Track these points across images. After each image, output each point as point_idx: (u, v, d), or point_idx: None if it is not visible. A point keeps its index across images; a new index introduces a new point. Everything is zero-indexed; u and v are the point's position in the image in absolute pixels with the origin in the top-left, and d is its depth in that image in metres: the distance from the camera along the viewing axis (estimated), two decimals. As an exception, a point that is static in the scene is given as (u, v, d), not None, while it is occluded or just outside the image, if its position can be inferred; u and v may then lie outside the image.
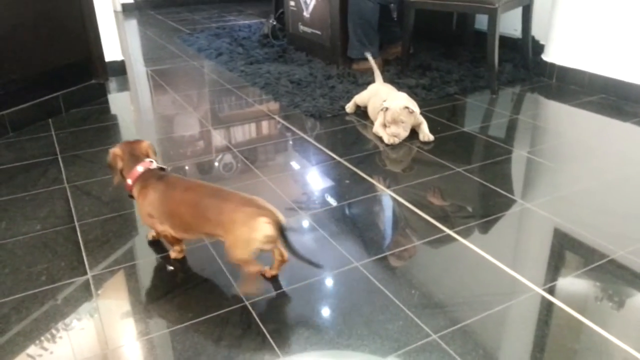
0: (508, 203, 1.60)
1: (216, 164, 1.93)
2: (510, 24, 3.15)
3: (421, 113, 2.09)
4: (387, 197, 1.65)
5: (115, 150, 1.31)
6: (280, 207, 1.59)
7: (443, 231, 1.45)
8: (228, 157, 1.97)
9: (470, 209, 1.58)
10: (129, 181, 1.29)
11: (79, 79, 2.09)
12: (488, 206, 1.59)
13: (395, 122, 2.01)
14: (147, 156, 1.32)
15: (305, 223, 1.51)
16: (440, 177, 1.76)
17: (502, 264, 1.31)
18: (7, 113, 2.15)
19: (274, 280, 1.26)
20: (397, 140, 2.02)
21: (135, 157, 1.30)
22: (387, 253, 1.37)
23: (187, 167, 1.90)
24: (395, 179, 1.76)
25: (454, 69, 2.85)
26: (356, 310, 1.16)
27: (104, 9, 2.72)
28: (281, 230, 1.14)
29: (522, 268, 1.29)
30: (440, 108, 2.40)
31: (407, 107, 2.00)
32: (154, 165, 1.31)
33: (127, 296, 1.23)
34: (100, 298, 1.22)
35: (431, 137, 2.05)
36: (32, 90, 2.23)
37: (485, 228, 1.48)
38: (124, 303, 1.20)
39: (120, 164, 1.30)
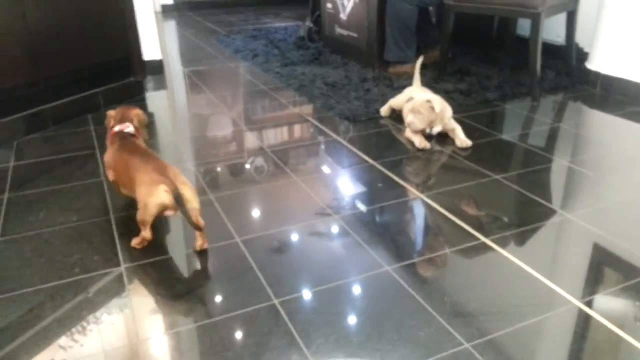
0: (547, 213, 1.54)
1: (249, 164, 1.94)
2: (553, 29, 3.07)
3: (458, 118, 2.05)
4: (421, 203, 1.61)
5: (111, 112, 1.59)
6: (312, 209, 1.58)
7: (478, 239, 1.41)
8: (261, 158, 1.97)
9: (507, 217, 1.53)
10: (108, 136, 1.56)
11: (118, 77, 2.14)
12: (526, 215, 1.53)
13: (413, 111, 2.00)
14: (131, 121, 1.56)
15: (337, 226, 1.49)
16: (477, 184, 1.71)
17: (539, 275, 1.26)
18: (48, 107, 2.22)
19: (303, 280, 1.25)
20: (427, 145, 1.99)
21: (123, 120, 1.56)
22: (420, 259, 1.34)
23: (219, 167, 1.91)
24: (429, 185, 1.73)
25: (494, 75, 2.79)
26: (386, 315, 1.13)
27: (144, 9, 2.78)
28: (177, 202, 1.27)
29: (559, 280, 1.24)
30: (478, 114, 2.35)
31: (429, 101, 1.98)
32: (128, 129, 1.54)
33: (157, 289, 1.23)
34: (132, 290, 1.23)
35: (469, 143, 2.00)
36: (73, 86, 2.29)
37: (522, 238, 1.43)
38: (154, 296, 1.21)
39: (112, 123, 1.57)
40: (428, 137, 2.07)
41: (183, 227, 1.49)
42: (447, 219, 1.51)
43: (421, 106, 1.99)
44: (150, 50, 2.86)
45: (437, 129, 2.09)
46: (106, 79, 2.22)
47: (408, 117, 2.02)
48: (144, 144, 1.56)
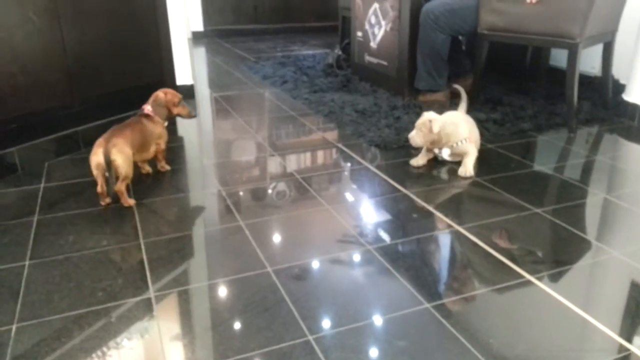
0: (594, 250, 1.46)
1: (279, 190, 1.90)
2: (588, 61, 3.01)
3: (492, 148, 1.99)
4: (459, 235, 1.55)
5: (159, 92, 1.95)
6: (346, 239, 1.53)
7: (522, 276, 1.33)
8: (291, 184, 1.94)
9: (550, 253, 1.46)
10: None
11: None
12: (571, 252, 1.45)
13: (417, 127, 2.01)
14: (150, 103, 1.92)
15: (372, 258, 1.44)
16: (516, 217, 1.64)
17: (590, 317, 1.18)
18: (81, 130, 2.23)
19: (338, 314, 1.19)
20: (419, 162, 2.06)
21: (150, 101, 1.94)
22: (461, 296, 1.27)
23: (249, 192, 1.88)
24: (467, 216, 1.66)
25: (527, 105, 2.73)
26: (428, 356, 1.06)
27: (178, 35, 2.82)
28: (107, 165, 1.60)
29: (614, 323, 1.16)
30: (513, 144, 2.29)
31: (430, 121, 1.97)
32: (147, 109, 1.90)
33: (187, 320, 1.19)
34: (161, 318, 1.19)
35: (470, 173, 1.96)
36: (107, 109, 2.32)
37: (570, 276, 1.35)
38: (183, 327, 1.17)
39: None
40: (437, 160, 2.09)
41: (217, 255, 1.45)
42: (488, 254, 1.44)
43: (423, 124, 1.99)
44: (182, 75, 2.89)
45: (446, 152, 2.05)
46: (139, 103, 2.24)
47: (412, 132, 2.04)
48: (150, 123, 1.87)
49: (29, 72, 2.01)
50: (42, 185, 1.90)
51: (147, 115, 1.88)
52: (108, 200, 1.71)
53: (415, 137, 2.01)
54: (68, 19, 2.11)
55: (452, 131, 2.01)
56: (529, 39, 2.47)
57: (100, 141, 1.65)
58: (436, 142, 2.02)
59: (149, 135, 1.85)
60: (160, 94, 1.93)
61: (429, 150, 2.08)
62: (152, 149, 1.89)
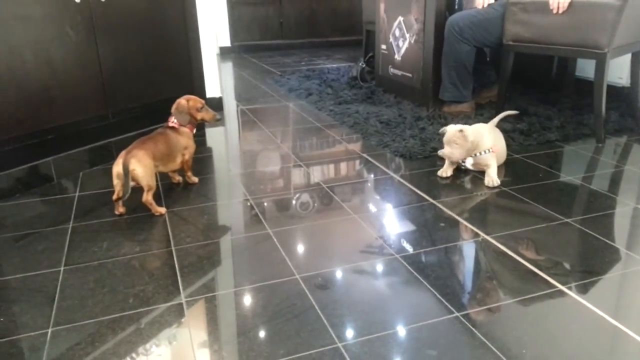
0: (625, 259, 1.43)
1: (306, 199, 1.92)
2: (615, 71, 2.97)
3: (520, 159, 1.98)
4: (488, 245, 1.54)
5: (180, 100, 1.98)
6: (373, 247, 1.53)
7: (554, 286, 1.32)
8: (317, 193, 1.96)
9: (583, 263, 1.43)
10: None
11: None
12: (602, 262, 1.43)
13: (448, 142, 1.99)
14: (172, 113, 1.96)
15: (400, 266, 1.44)
16: (547, 227, 1.62)
17: (624, 326, 1.15)
18: (115, 140, 2.30)
19: (367, 322, 1.19)
20: (448, 173, 2.05)
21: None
22: (492, 305, 1.26)
23: (276, 201, 1.90)
24: (495, 226, 1.65)
25: (554, 115, 2.70)
26: (459, 365, 1.06)
27: (208, 50, 2.90)
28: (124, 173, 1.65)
29: (651, 335, 1.13)
30: (540, 154, 2.27)
31: (461, 131, 1.96)
32: (171, 121, 1.94)
33: (218, 325, 1.21)
34: (192, 324, 1.21)
35: (496, 182, 1.96)
36: (139, 121, 2.38)
37: (602, 285, 1.32)
38: (214, 332, 1.18)
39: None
40: (461, 169, 2.08)
41: (246, 263, 1.47)
42: (518, 263, 1.43)
43: (454, 136, 1.98)
44: (211, 88, 2.96)
45: (469, 161, 2.05)
46: (170, 115, 2.31)
47: (445, 149, 2.02)
48: (175, 134, 1.91)
49: (65, 85, 2.09)
50: (77, 194, 1.96)
51: (172, 127, 1.92)
52: (122, 210, 1.77)
53: (454, 151, 1.99)
54: (103, 34, 2.19)
55: (479, 140, 2.00)
56: (556, 50, 2.46)
57: (122, 153, 1.72)
58: (470, 151, 2.01)
59: (173, 146, 1.89)
60: (182, 100, 1.96)
61: (454, 162, 2.08)
62: (179, 160, 1.93)
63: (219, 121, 2.10)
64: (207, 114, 1.99)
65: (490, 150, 2.01)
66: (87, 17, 2.12)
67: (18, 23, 1.90)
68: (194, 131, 2.00)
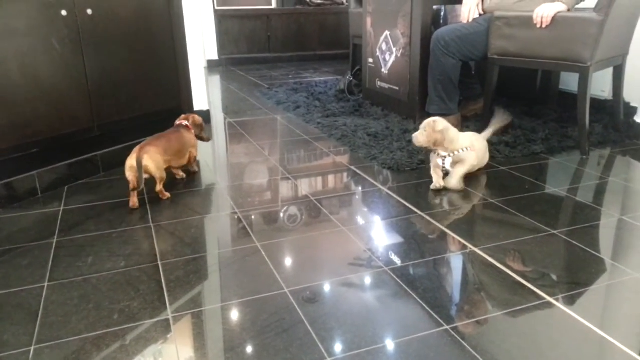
0: (611, 271, 1.44)
1: (294, 212, 1.92)
2: (597, 84, 3.03)
3: (506, 170, 2.00)
4: (476, 257, 1.54)
5: (195, 115, 2.34)
6: (362, 260, 1.53)
7: (541, 297, 1.32)
8: (306, 206, 1.95)
9: (570, 275, 1.44)
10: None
11: (169, 126, 2.21)
12: (589, 273, 1.44)
13: (421, 128, 2.09)
14: (187, 120, 2.26)
15: (389, 279, 1.43)
16: (533, 239, 1.63)
17: (610, 337, 1.16)
18: (101, 154, 2.28)
19: (356, 337, 1.18)
20: (440, 183, 2.07)
21: (185, 119, 2.27)
22: (480, 317, 1.26)
23: (264, 214, 1.89)
24: (483, 238, 1.66)
25: (539, 128, 2.74)
26: (449, 378, 1.05)
27: (195, 64, 2.89)
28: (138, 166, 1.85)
29: (634, 343, 1.14)
30: (526, 166, 2.29)
31: (435, 121, 2.07)
32: (185, 122, 2.23)
33: (206, 340, 1.19)
34: (179, 340, 1.19)
35: (456, 186, 2.04)
36: (126, 134, 2.36)
37: (590, 297, 1.33)
38: (202, 347, 1.17)
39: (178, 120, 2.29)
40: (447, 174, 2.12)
41: (234, 277, 1.46)
42: (506, 275, 1.43)
43: (427, 124, 2.08)
44: (199, 101, 2.95)
45: (448, 161, 2.09)
46: (158, 128, 2.29)
47: (415, 133, 2.12)
48: (187, 133, 2.18)
49: (50, 98, 2.06)
50: (62, 208, 1.93)
51: (185, 126, 2.20)
52: (136, 204, 1.91)
53: (419, 136, 2.09)
54: (90, 47, 2.18)
55: (455, 137, 2.08)
56: (540, 64, 2.50)
57: (136, 148, 1.91)
58: (438, 143, 2.07)
59: (185, 143, 2.14)
60: (197, 116, 2.31)
61: (437, 167, 2.10)
62: (187, 156, 2.17)
63: (209, 141, 2.47)
64: (204, 134, 2.34)
65: (468, 148, 2.08)
66: (73, 30, 2.11)
67: (4, 36, 1.88)
68: None
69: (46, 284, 1.42)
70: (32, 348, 1.17)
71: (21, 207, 1.95)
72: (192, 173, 2.28)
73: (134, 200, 1.91)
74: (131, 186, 1.89)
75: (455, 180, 2.04)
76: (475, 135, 2.24)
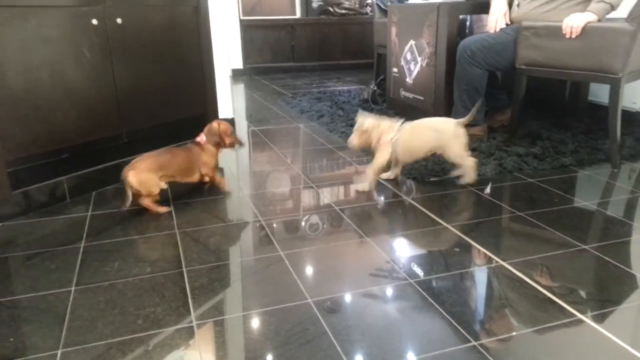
0: (648, 289, 1.40)
1: (317, 220, 1.91)
2: (628, 96, 2.96)
3: (534, 183, 1.96)
4: (504, 271, 1.51)
5: (213, 123, 2.14)
6: (387, 271, 1.51)
7: (573, 315, 1.28)
8: (329, 215, 1.94)
9: (602, 291, 1.40)
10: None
11: (194, 133, 2.23)
12: (622, 289, 1.40)
13: (354, 130, 2.14)
14: (203, 132, 2.13)
15: (414, 292, 1.41)
16: (564, 254, 1.59)
17: (649, 360, 1.12)
18: (128, 160, 2.30)
19: (382, 350, 1.16)
20: (364, 188, 2.13)
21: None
22: (509, 334, 1.22)
23: (287, 223, 1.89)
24: (511, 251, 1.62)
25: (568, 140, 2.69)
26: (477, 395, 1.02)
27: (221, 72, 2.93)
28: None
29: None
30: (555, 179, 2.24)
31: (361, 122, 2.09)
32: (200, 138, 2.11)
33: (229, 348, 1.19)
34: (203, 347, 1.19)
35: (364, 186, 2.13)
36: (153, 141, 2.39)
37: (623, 315, 1.29)
38: (226, 355, 1.16)
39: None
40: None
41: (258, 285, 1.45)
42: (536, 291, 1.40)
43: (358, 124, 2.11)
44: (224, 109, 2.98)
45: (396, 171, 2.19)
46: (184, 135, 2.32)
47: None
48: (198, 151, 2.08)
49: (80, 105, 2.11)
50: (89, 213, 1.96)
51: (198, 143, 2.09)
52: (126, 205, 1.90)
53: (352, 138, 2.13)
54: (119, 55, 2.22)
55: (385, 134, 2.10)
56: (569, 74, 2.45)
57: (132, 161, 1.95)
58: (370, 143, 2.12)
59: (193, 161, 2.06)
60: (214, 124, 2.13)
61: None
62: (196, 175, 2.08)
63: (242, 147, 2.33)
64: (235, 139, 2.17)
65: (391, 140, 2.10)
66: (103, 38, 2.15)
67: (37, 44, 1.93)
68: (220, 151, 2.17)
69: (73, 288, 1.44)
70: (59, 352, 1.18)
71: (50, 211, 1.98)
72: (220, 190, 2.18)
73: (162, 208, 1.95)
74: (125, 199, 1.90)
75: (364, 183, 2.10)
76: (445, 126, 2.12)
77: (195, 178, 2.08)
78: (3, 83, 1.84)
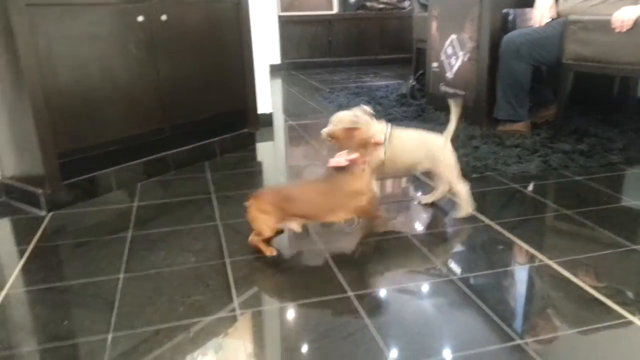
0: None
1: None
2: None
3: (580, 181, 1.90)
4: (550, 270, 1.47)
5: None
6: (428, 269, 1.50)
7: (623, 316, 1.24)
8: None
9: (653, 293, 1.35)
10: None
11: (234, 128, 2.27)
12: (677, 293, 1.34)
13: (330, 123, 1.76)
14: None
15: (457, 289, 1.40)
16: (613, 254, 1.54)
17: None
18: (170, 154, 2.37)
19: (424, 346, 1.16)
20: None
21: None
22: (554, 333, 1.20)
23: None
24: (558, 251, 1.58)
25: (616, 137, 2.59)
26: (522, 394, 1.01)
27: (260, 67, 2.96)
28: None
29: None
30: (602, 177, 2.17)
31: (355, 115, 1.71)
32: (336, 162, 1.61)
33: (270, 338, 1.21)
34: (245, 336, 1.21)
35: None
36: (194, 135, 2.45)
37: (677, 319, 1.24)
38: (268, 345, 1.18)
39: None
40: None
41: (299, 277, 1.47)
42: (583, 291, 1.36)
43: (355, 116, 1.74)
44: (263, 104, 3.02)
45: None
46: (223, 130, 2.36)
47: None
48: (344, 178, 1.59)
49: (125, 100, 2.17)
50: (136, 204, 2.02)
51: (341, 168, 1.59)
52: (272, 250, 1.59)
53: (333, 130, 1.77)
54: (163, 51, 2.27)
55: (377, 130, 1.77)
56: (618, 69, 2.37)
57: (260, 189, 1.67)
58: (354, 138, 1.69)
59: (338, 195, 1.59)
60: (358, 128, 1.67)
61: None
62: (343, 213, 1.60)
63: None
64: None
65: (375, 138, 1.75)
66: (148, 35, 2.21)
67: (87, 41, 2.00)
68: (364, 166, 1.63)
69: (122, 276, 1.49)
70: (110, 335, 1.22)
71: (99, 202, 2.06)
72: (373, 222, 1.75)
73: (268, 249, 1.59)
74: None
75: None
76: (430, 141, 1.84)
77: (340, 217, 1.62)
78: (55, 78, 1.91)
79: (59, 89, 1.94)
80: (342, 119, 1.75)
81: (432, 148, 1.83)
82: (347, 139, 1.70)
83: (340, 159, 1.59)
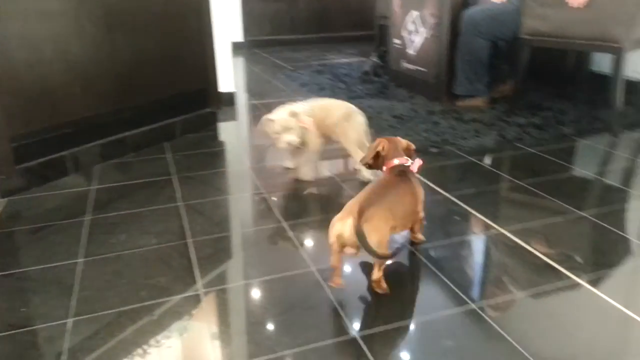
0: (645, 254, 1.42)
1: (319, 192, 1.93)
2: (630, 65, 2.93)
3: (535, 153, 1.96)
4: (504, 238, 1.53)
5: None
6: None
7: (570, 278, 1.31)
8: (331, 187, 1.96)
9: (599, 256, 1.43)
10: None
11: (195, 107, 2.24)
12: (618, 254, 1.42)
13: (286, 130, 1.87)
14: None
15: (414, 257, 1.44)
16: (564, 221, 1.61)
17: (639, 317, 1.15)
18: (129, 135, 2.32)
19: (382, 314, 1.20)
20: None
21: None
22: (508, 297, 1.26)
23: (290, 195, 1.91)
24: (511, 219, 1.64)
25: (569, 110, 2.68)
26: (476, 356, 1.06)
27: (222, 45, 2.90)
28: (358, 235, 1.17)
29: (670, 329, 1.13)
30: (554, 149, 2.25)
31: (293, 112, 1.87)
32: (396, 162, 1.41)
33: (235, 315, 1.22)
34: (209, 314, 1.22)
35: (305, 175, 1.96)
36: (153, 115, 2.40)
37: (618, 278, 1.32)
38: (232, 322, 1.20)
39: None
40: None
41: (261, 254, 1.48)
42: (534, 257, 1.42)
43: (289, 121, 1.90)
44: (224, 83, 2.97)
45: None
46: (184, 109, 2.32)
47: (286, 137, 1.89)
48: (415, 183, 1.40)
49: (81, 79, 2.11)
50: (94, 187, 1.98)
51: (404, 172, 1.39)
52: (340, 282, 1.28)
53: (293, 137, 1.90)
54: (119, 28, 2.20)
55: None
56: (573, 44, 2.44)
57: (351, 207, 1.24)
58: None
59: (416, 201, 1.40)
60: (398, 138, 1.50)
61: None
62: (414, 218, 1.43)
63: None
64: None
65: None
66: (103, 11, 2.13)
67: (37, 18, 1.92)
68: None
69: (81, 260, 1.47)
70: (70, 320, 1.21)
71: (55, 186, 2.00)
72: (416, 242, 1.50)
73: (336, 280, 1.28)
74: (334, 262, 1.26)
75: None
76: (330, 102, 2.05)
77: (410, 225, 1.44)
78: (5, 58, 1.83)
79: (10, 69, 1.86)
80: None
81: (330, 114, 1.96)
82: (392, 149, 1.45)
83: (403, 160, 1.41)
